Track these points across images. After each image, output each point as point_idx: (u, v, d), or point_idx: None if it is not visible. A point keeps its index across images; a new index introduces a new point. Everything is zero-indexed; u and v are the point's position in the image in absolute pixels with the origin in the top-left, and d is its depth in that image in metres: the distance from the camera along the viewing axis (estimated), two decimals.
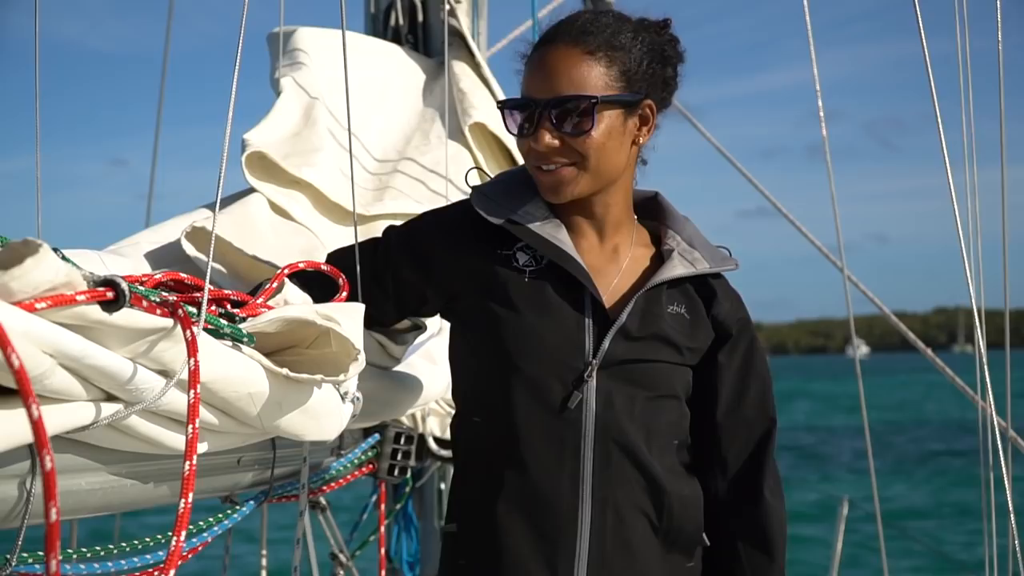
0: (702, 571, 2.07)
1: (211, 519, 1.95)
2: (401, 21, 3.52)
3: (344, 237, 2.51)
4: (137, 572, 1.72)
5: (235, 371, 1.48)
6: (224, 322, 1.46)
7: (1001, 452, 2.61)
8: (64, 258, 1.21)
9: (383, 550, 3.10)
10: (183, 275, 1.56)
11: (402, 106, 3.20)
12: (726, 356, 2.06)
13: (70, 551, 1.65)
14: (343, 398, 1.81)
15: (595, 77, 1.92)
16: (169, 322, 1.31)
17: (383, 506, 3.05)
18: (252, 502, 2.07)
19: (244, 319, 1.56)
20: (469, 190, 2.08)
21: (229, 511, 2.00)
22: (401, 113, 3.18)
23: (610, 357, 1.94)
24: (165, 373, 1.37)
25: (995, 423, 2.72)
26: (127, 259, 2.05)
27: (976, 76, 3.06)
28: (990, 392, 2.65)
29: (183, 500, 1.32)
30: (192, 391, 1.33)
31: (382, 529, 3.05)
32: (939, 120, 2.34)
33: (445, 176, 2.91)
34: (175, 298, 1.35)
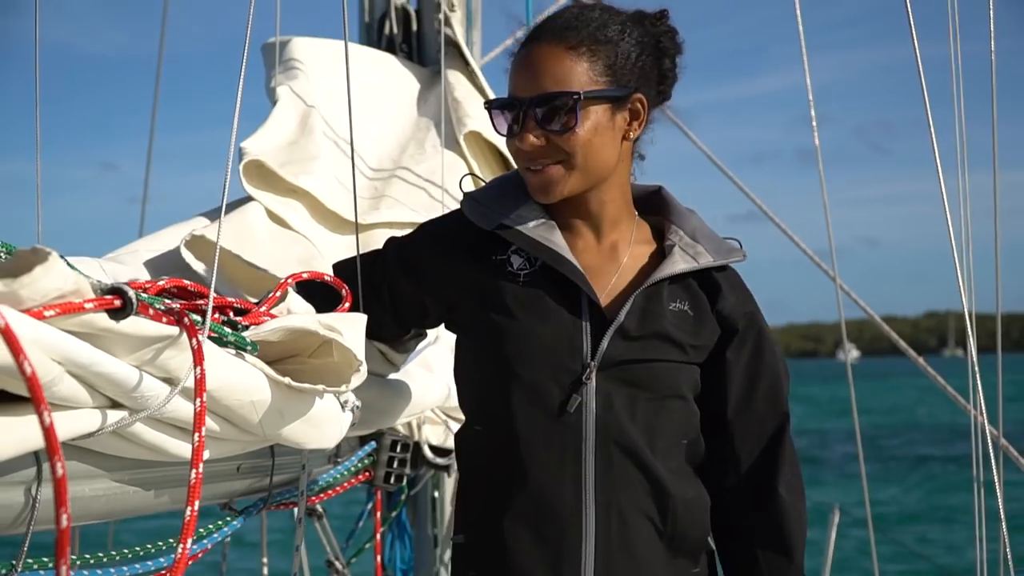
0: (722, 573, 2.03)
1: (211, 526, 1.96)
2: (395, 30, 3.53)
3: (340, 245, 2.52)
4: None
5: (239, 379, 1.49)
6: (228, 330, 1.47)
7: (993, 460, 2.59)
8: (70, 266, 1.22)
9: (379, 557, 3.12)
10: (186, 282, 1.57)
11: (397, 115, 3.21)
12: (734, 352, 2.01)
13: (73, 557, 1.66)
14: (343, 406, 1.82)
15: (579, 73, 1.89)
16: (175, 330, 1.32)
17: (379, 514, 3.06)
18: (251, 509, 2.08)
19: (247, 327, 1.57)
20: None
21: (229, 518, 2.00)
22: (396, 122, 3.19)
23: (609, 358, 1.91)
24: (170, 381, 1.38)
25: (987, 432, 2.71)
26: (126, 267, 2.06)
27: (966, 80, 3.05)
28: (982, 399, 2.64)
29: (189, 508, 1.33)
30: (199, 399, 1.33)
31: (378, 537, 3.06)
32: (931, 124, 2.33)
33: (441, 185, 2.93)
34: (179, 305, 1.36)
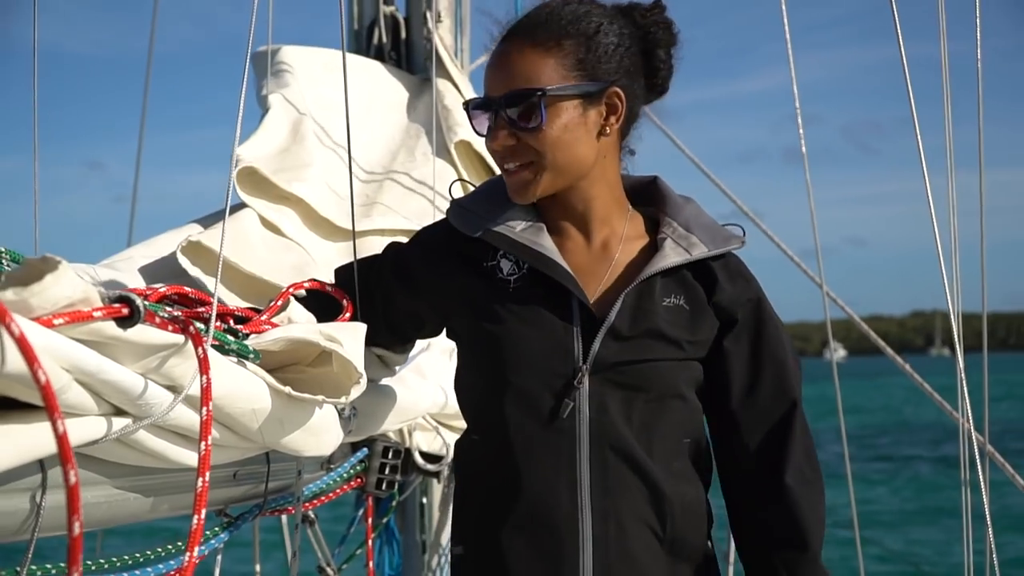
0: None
1: (208, 532, 1.96)
2: (384, 38, 3.54)
3: (333, 252, 2.54)
4: None
5: (240, 387, 1.50)
6: (231, 338, 1.48)
7: (979, 466, 2.56)
8: None
9: (371, 563, 3.12)
10: (187, 289, 1.58)
11: (386, 122, 3.22)
12: (733, 343, 1.95)
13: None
14: (340, 414, 1.83)
15: (548, 69, 1.85)
16: (179, 338, 1.33)
17: (370, 520, 3.06)
18: (248, 515, 2.09)
19: (248, 335, 1.58)
20: None
21: (225, 523, 2.01)
22: (386, 129, 3.20)
23: (601, 361, 1.86)
24: (174, 388, 1.39)
25: (974, 439, 2.71)
26: (122, 273, 2.07)
27: (954, 80, 3.05)
28: (968, 406, 2.64)
29: (196, 516, 1.33)
30: (205, 408, 1.34)
31: (369, 543, 3.06)
32: (916, 124, 2.33)
33: (432, 191, 2.94)
34: (182, 313, 1.37)
